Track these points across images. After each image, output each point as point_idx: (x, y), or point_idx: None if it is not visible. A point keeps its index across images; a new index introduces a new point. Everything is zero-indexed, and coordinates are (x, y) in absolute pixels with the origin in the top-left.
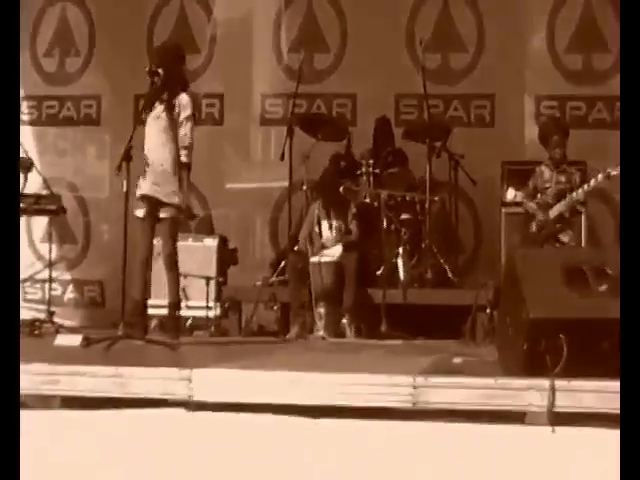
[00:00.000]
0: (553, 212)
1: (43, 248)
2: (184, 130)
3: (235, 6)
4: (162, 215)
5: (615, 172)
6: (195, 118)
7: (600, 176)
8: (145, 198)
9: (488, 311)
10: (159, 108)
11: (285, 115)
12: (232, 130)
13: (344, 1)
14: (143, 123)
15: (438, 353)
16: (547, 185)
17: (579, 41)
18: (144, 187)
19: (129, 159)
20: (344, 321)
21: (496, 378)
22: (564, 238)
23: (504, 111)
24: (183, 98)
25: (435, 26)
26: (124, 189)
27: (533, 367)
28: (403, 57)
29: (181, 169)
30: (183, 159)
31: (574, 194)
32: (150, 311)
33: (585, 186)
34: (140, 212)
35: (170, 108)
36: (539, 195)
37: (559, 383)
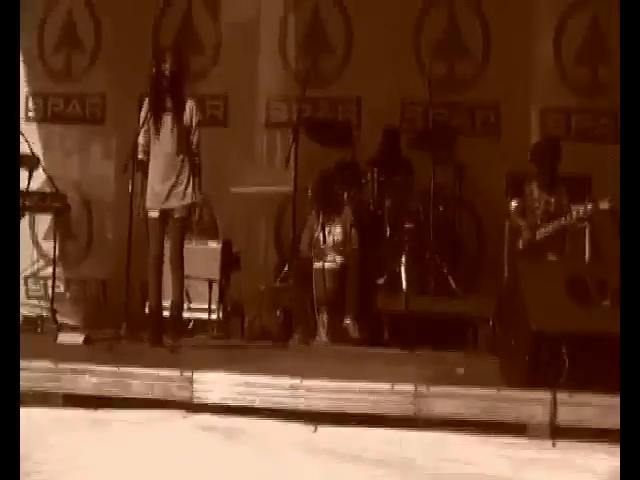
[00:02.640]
0: (540, 234)
1: (46, 245)
2: (196, 136)
3: (241, 8)
4: (175, 215)
5: (590, 207)
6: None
7: (581, 209)
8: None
9: (491, 322)
10: (168, 119)
11: (290, 118)
12: (237, 133)
13: (350, 6)
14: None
15: (440, 363)
16: (536, 205)
17: (586, 54)
18: (158, 200)
19: (135, 159)
20: (347, 326)
21: (498, 389)
22: (552, 258)
23: (509, 121)
24: (191, 104)
25: (442, 34)
26: (130, 189)
27: (535, 379)
28: (409, 63)
29: (194, 172)
30: (197, 161)
31: (562, 220)
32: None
33: (567, 216)
34: (154, 213)
35: (179, 117)
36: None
37: (561, 396)
